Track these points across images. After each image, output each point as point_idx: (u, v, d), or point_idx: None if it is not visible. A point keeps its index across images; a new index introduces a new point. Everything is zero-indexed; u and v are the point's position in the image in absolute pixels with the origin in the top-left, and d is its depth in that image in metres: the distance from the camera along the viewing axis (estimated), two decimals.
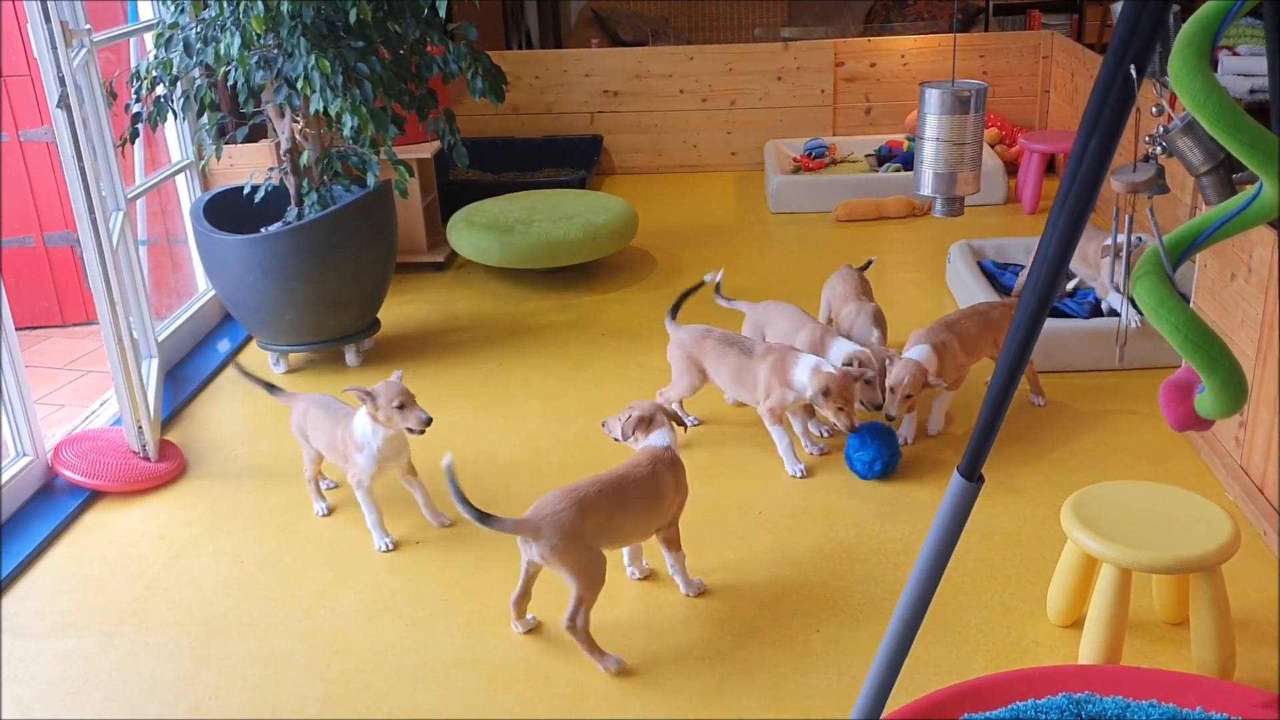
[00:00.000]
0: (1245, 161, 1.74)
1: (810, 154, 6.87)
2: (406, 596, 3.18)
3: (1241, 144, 1.72)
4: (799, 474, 3.72)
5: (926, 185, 3.66)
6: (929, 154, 3.63)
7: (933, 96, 3.56)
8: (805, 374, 3.61)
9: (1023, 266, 5.00)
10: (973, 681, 2.47)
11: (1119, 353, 3.57)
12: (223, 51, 4.00)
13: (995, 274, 4.94)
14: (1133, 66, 1.67)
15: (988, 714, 2.37)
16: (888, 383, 3.68)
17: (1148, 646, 2.85)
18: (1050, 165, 6.57)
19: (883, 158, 6.78)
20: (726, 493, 3.63)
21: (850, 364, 3.68)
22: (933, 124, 3.58)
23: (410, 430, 3.25)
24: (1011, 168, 6.67)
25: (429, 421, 3.24)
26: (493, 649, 2.95)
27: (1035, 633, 2.92)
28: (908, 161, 6.63)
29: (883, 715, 2.11)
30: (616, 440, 3.14)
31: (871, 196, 6.26)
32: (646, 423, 3.09)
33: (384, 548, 3.40)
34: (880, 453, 3.63)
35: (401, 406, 3.22)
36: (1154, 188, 2.05)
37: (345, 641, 3.00)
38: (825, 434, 3.93)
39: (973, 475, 1.84)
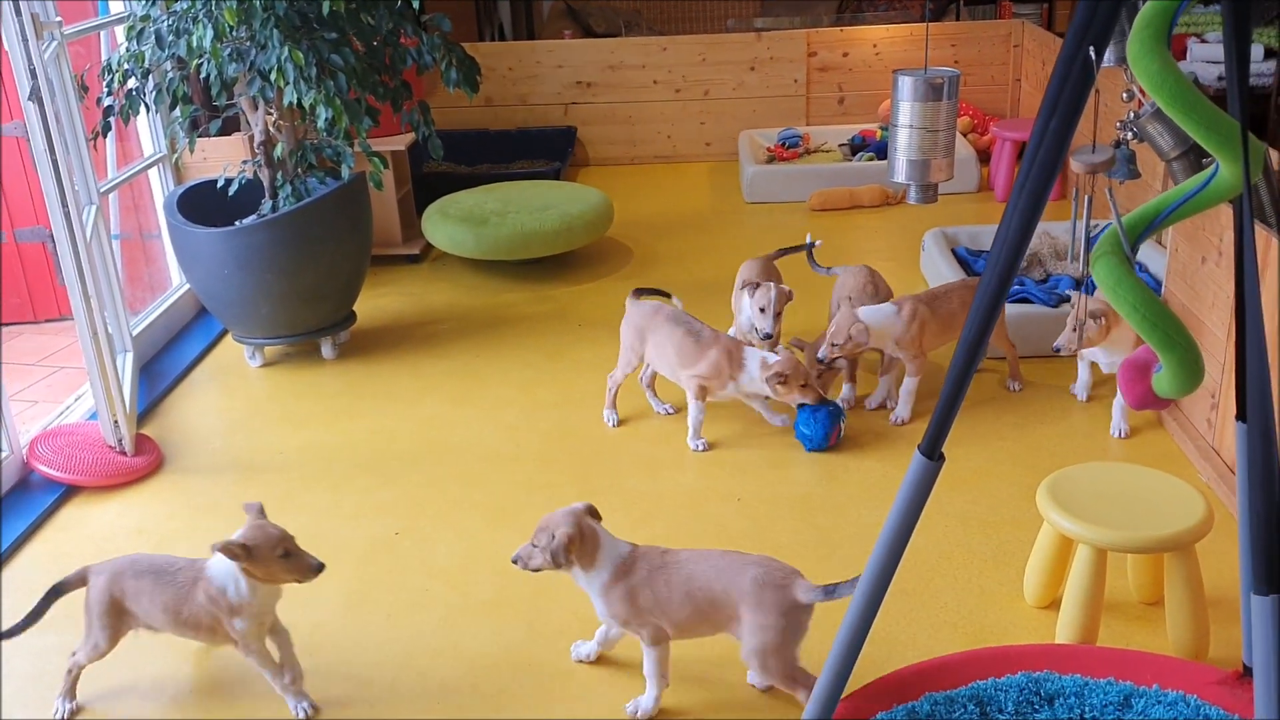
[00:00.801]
0: (1201, 142, 1.77)
1: (784, 144, 6.90)
2: (387, 587, 3.18)
3: (1198, 125, 1.74)
4: (699, 448, 3.83)
5: (900, 172, 3.68)
6: (903, 141, 3.65)
7: (906, 84, 3.58)
8: (755, 368, 3.68)
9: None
10: (935, 660, 2.51)
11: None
12: (195, 44, 3.98)
13: (969, 261, 4.97)
14: (1091, 49, 1.69)
15: (949, 692, 2.40)
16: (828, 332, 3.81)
17: (1124, 626, 2.88)
18: (1022, 153, 6.61)
19: (856, 147, 6.81)
20: (705, 480, 3.64)
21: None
22: (906, 111, 3.60)
23: (298, 581, 2.60)
24: (984, 156, 6.71)
25: (320, 569, 2.58)
26: (474, 638, 2.96)
27: (1012, 614, 2.95)
28: (881, 151, 6.67)
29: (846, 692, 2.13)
30: (538, 571, 2.61)
31: (845, 186, 6.29)
32: (579, 539, 2.56)
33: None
34: (819, 418, 3.71)
35: (286, 554, 2.55)
36: (1113, 169, 2.07)
37: (325, 632, 3.00)
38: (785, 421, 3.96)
39: (933, 454, 1.87)
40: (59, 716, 2.72)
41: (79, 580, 2.71)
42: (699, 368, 3.76)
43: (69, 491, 3.72)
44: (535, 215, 5.32)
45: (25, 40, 3.44)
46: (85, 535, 3.51)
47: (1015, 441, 3.77)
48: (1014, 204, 1.71)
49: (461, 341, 4.80)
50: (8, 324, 5.49)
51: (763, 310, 3.91)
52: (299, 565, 2.57)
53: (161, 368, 4.64)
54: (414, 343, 4.81)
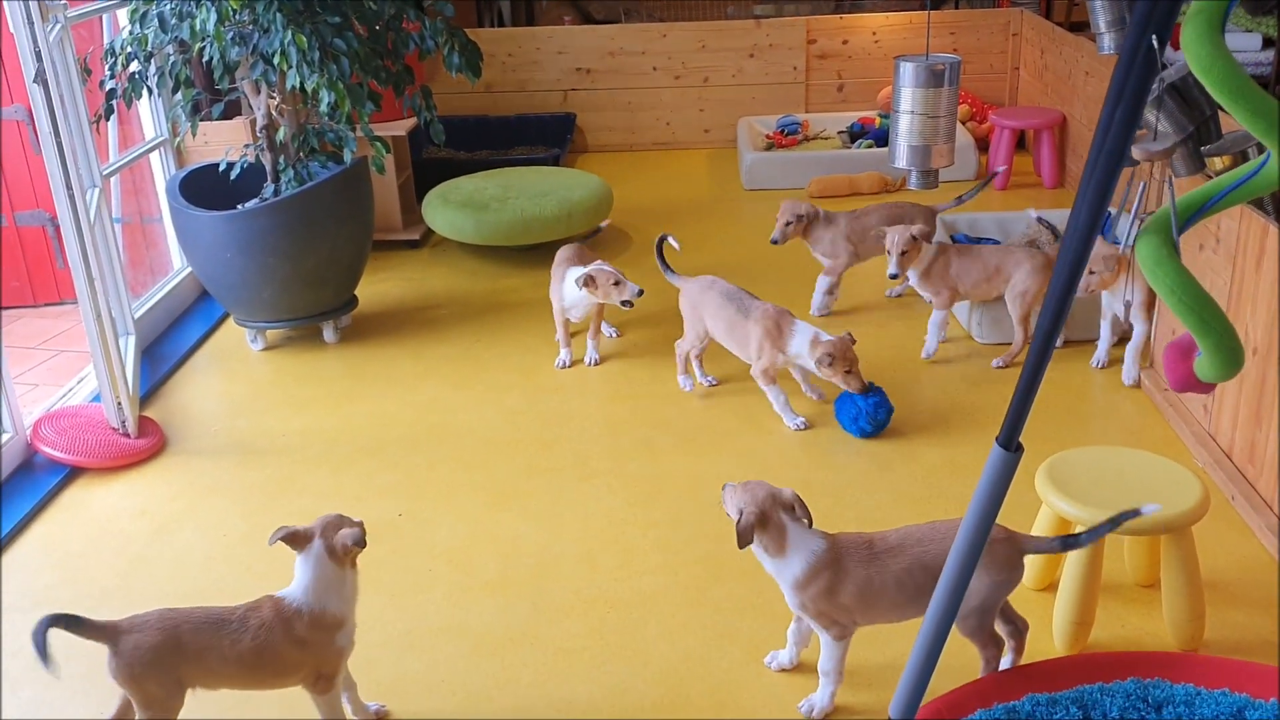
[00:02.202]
0: (1249, 127, 1.78)
1: (783, 131, 6.91)
2: (392, 567, 3.21)
3: (1246, 111, 1.75)
4: (798, 427, 3.85)
5: (902, 158, 3.71)
6: (904, 127, 3.67)
7: (907, 70, 3.60)
8: (803, 344, 3.72)
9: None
10: (1041, 662, 2.51)
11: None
12: (198, 27, 3.99)
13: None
14: (1154, 37, 1.71)
15: (1053, 694, 2.39)
16: (886, 245, 4.05)
17: (1120, 608, 2.91)
18: (1020, 141, 6.64)
19: (855, 134, 6.82)
20: (705, 464, 3.67)
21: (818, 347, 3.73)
22: (907, 97, 3.63)
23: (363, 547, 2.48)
24: (982, 144, 6.72)
25: (361, 524, 2.49)
26: (478, 617, 2.98)
27: (1011, 596, 2.97)
28: (880, 138, 6.68)
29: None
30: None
31: (844, 173, 6.30)
32: (761, 528, 2.50)
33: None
34: (873, 424, 3.75)
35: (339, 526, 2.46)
36: (1170, 157, 2.07)
37: None
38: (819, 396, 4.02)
39: (1010, 445, 1.89)
40: None
41: (102, 636, 2.36)
42: (749, 352, 3.85)
43: (73, 473, 3.75)
44: (535, 201, 5.34)
45: (31, 23, 3.45)
46: (90, 516, 3.53)
47: None
48: (1083, 194, 1.74)
49: (462, 326, 4.81)
50: (7, 308, 5.50)
51: (889, 252, 4.11)
52: (356, 535, 2.43)
53: (163, 351, 4.66)
54: (415, 327, 4.83)
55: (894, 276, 4.09)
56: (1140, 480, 2.76)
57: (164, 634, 2.36)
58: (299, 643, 2.40)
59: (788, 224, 4.57)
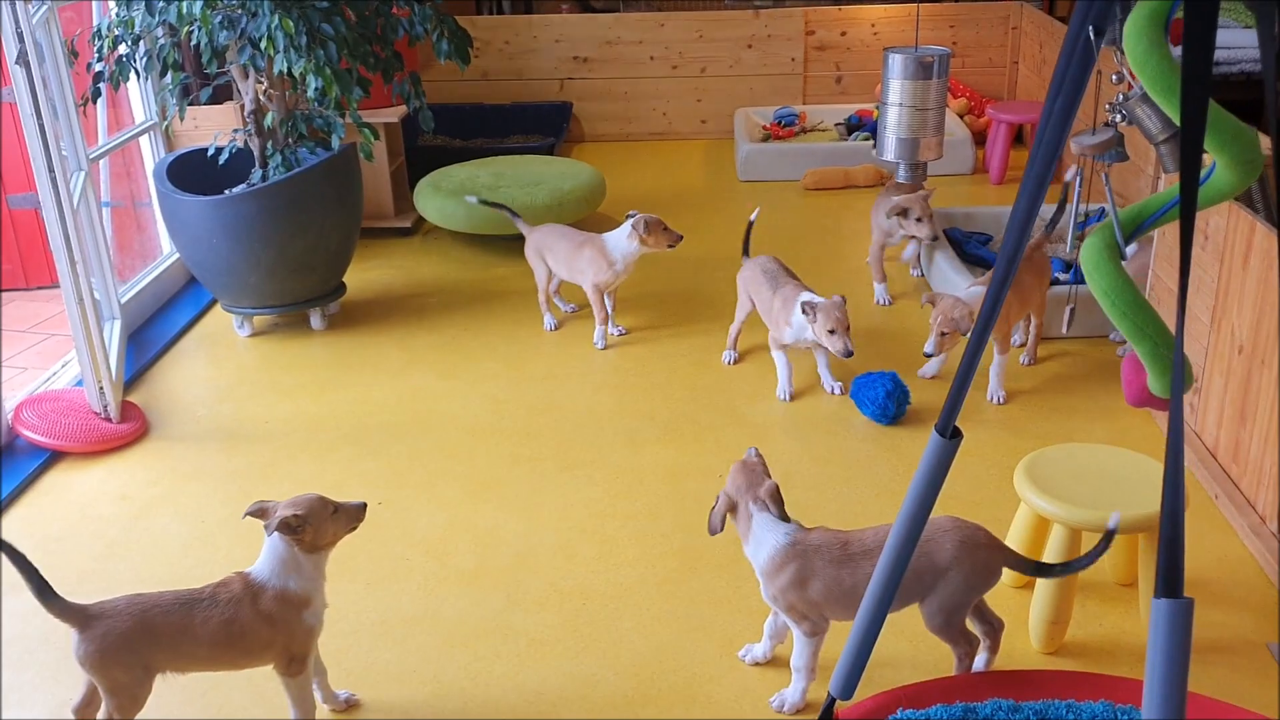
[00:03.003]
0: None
1: (780, 122, 6.88)
2: (367, 556, 3.20)
3: (1176, 110, 1.74)
4: (784, 398, 3.96)
5: (890, 150, 3.69)
6: (892, 119, 3.66)
7: (896, 61, 3.58)
8: (620, 243, 3.93)
9: (987, 235, 5.03)
10: (1014, 671, 2.51)
11: (1066, 318, 3.66)
12: (185, 10, 3.96)
13: (961, 241, 4.96)
14: (1091, 29, 1.70)
15: (1017, 702, 2.37)
16: (930, 319, 3.79)
17: (1098, 606, 2.89)
18: (1018, 136, 6.60)
19: (852, 126, 6.79)
20: (686, 455, 3.65)
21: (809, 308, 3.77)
22: (896, 89, 3.61)
23: (350, 530, 2.50)
24: (979, 138, 6.69)
25: (364, 506, 2.51)
26: (452, 607, 2.97)
27: (988, 594, 2.96)
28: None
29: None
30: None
31: (840, 165, 6.27)
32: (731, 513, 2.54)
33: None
34: (898, 408, 3.76)
35: (335, 509, 2.46)
36: (1109, 152, 2.08)
37: None
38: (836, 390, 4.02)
39: (946, 431, 1.89)
40: None
41: (70, 618, 2.33)
42: (770, 322, 3.95)
43: (53, 457, 3.73)
44: (527, 190, 5.31)
45: (14, 3, 3.43)
46: (69, 500, 3.52)
47: (995, 423, 3.78)
48: (1023, 186, 1.73)
49: (450, 315, 4.80)
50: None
51: (919, 220, 4.15)
52: (350, 512, 2.44)
53: (150, 336, 4.64)
54: (403, 315, 4.81)
55: (928, 355, 3.79)
56: (1119, 478, 2.74)
57: (135, 620, 2.33)
58: (267, 619, 2.38)
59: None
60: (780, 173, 6.36)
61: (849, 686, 2.21)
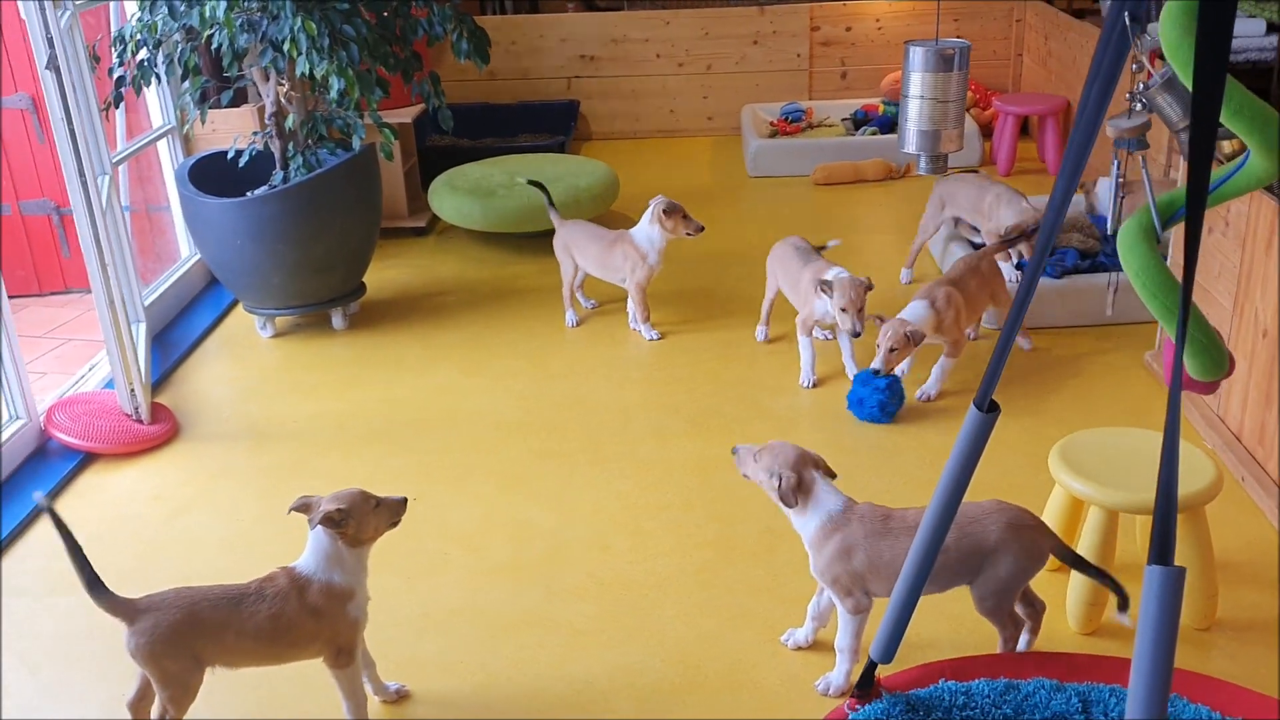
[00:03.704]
0: (1229, 125, 1.81)
1: (787, 118, 6.91)
2: (405, 551, 3.22)
3: (1228, 110, 1.78)
4: (807, 385, 4.04)
5: (911, 143, 3.72)
6: (913, 112, 3.68)
7: (917, 54, 3.61)
8: (644, 232, 4.03)
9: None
10: (1057, 653, 2.54)
11: (1110, 300, 3.71)
12: (208, 14, 3.99)
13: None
14: (1127, 15, 1.74)
15: (1061, 683, 2.40)
16: (877, 341, 3.77)
17: (1133, 588, 2.89)
18: (1024, 128, 6.64)
19: (859, 121, 6.82)
20: (715, 449, 3.68)
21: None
22: (917, 82, 3.63)
23: (392, 526, 2.53)
24: (986, 130, 6.73)
25: (405, 501, 2.55)
26: (492, 599, 3.00)
27: None
28: (884, 125, 6.69)
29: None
30: (745, 478, 2.65)
31: (849, 160, 6.31)
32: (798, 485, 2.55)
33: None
34: (880, 396, 3.78)
35: (378, 503, 2.49)
36: (1130, 140, 2.12)
37: None
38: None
39: (984, 405, 1.94)
40: None
41: (120, 613, 2.36)
42: (799, 298, 4.02)
43: (86, 459, 3.76)
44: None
45: (43, 9, 3.45)
46: (105, 501, 3.55)
47: (1021, 412, 3.82)
48: (1062, 168, 1.78)
49: (470, 313, 4.83)
50: (13, 297, 5.50)
51: (879, 345, 3.80)
52: (391, 506, 2.47)
53: (173, 338, 4.67)
54: (422, 314, 4.84)
55: (875, 373, 3.75)
56: (1152, 460, 2.77)
57: (182, 612, 2.37)
58: (313, 612, 2.41)
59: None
60: (790, 168, 6.39)
61: (889, 651, 2.25)
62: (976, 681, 2.35)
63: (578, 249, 4.54)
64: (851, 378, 4.02)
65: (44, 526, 3.42)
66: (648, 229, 4.35)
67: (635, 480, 3.52)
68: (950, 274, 4.01)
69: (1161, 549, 1.46)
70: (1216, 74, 1.49)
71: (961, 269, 4.04)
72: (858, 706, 2.28)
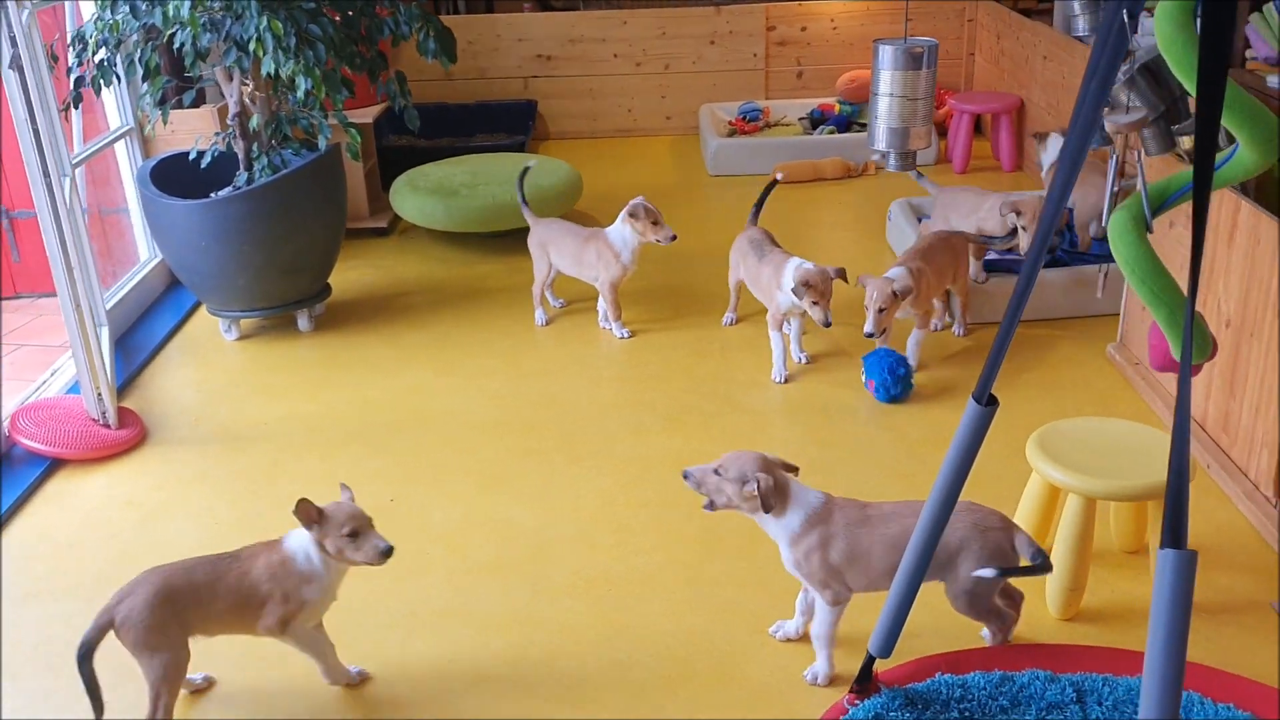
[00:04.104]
0: (1223, 121, 1.87)
1: (745, 117, 6.96)
2: None
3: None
4: (779, 379, 4.06)
5: (881, 140, 3.78)
6: (883, 109, 3.74)
7: (886, 53, 3.67)
8: (789, 274, 3.88)
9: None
10: (1046, 645, 2.59)
11: (1100, 284, 3.84)
12: (171, 13, 3.94)
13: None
14: (1125, 13, 1.79)
15: (1053, 674, 2.44)
16: (864, 303, 3.89)
17: (1108, 574, 3.00)
18: (977, 126, 6.74)
19: (816, 120, 6.89)
20: (693, 444, 3.71)
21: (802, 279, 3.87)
22: (886, 80, 3.69)
23: (365, 563, 2.55)
24: (941, 129, 6.82)
25: (388, 553, 2.53)
26: (479, 598, 3.00)
27: None
28: (841, 124, 6.76)
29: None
30: (712, 506, 2.62)
31: (808, 158, 6.37)
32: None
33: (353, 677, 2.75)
34: (904, 388, 3.90)
35: (354, 534, 2.51)
36: (1137, 131, 2.16)
37: None
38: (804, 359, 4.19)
39: (982, 399, 1.97)
40: None
41: (103, 626, 2.46)
42: (761, 292, 4.07)
43: (53, 465, 3.70)
44: (506, 187, 5.33)
45: (6, 8, 3.39)
46: (75, 507, 3.49)
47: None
48: (1061, 161, 1.82)
49: (439, 312, 4.81)
50: None
51: (867, 307, 3.90)
52: (365, 547, 2.50)
53: (135, 342, 4.60)
54: (390, 314, 4.82)
55: (870, 336, 3.89)
56: (1127, 448, 2.84)
57: (151, 585, 2.47)
58: (272, 574, 2.52)
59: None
60: (750, 167, 6.43)
61: (887, 645, 2.29)
62: (972, 674, 2.40)
63: (553, 246, 4.54)
64: (798, 360, 4.16)
65: (16, 532, 3.36)
66: (621, 228, 4.37)
67: (615, 477, 3.54)
68: (921, 244, 4.12)
69: (1175, 532, 1.50)
70: (1218, 71, 1.54)
71: (933, 240, 4.14)
72: (856, 701, 2.31)
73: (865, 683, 2.32)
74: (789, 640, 2.78)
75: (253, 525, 3.34)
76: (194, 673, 2.68)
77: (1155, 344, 2.15)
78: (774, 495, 2.52)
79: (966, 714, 2.30)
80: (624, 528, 3.29)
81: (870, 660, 2.33)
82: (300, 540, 2.54)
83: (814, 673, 2.66)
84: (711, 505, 2.58)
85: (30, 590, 3.11)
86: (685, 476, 2.58)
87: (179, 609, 2.47)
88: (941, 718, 2.28)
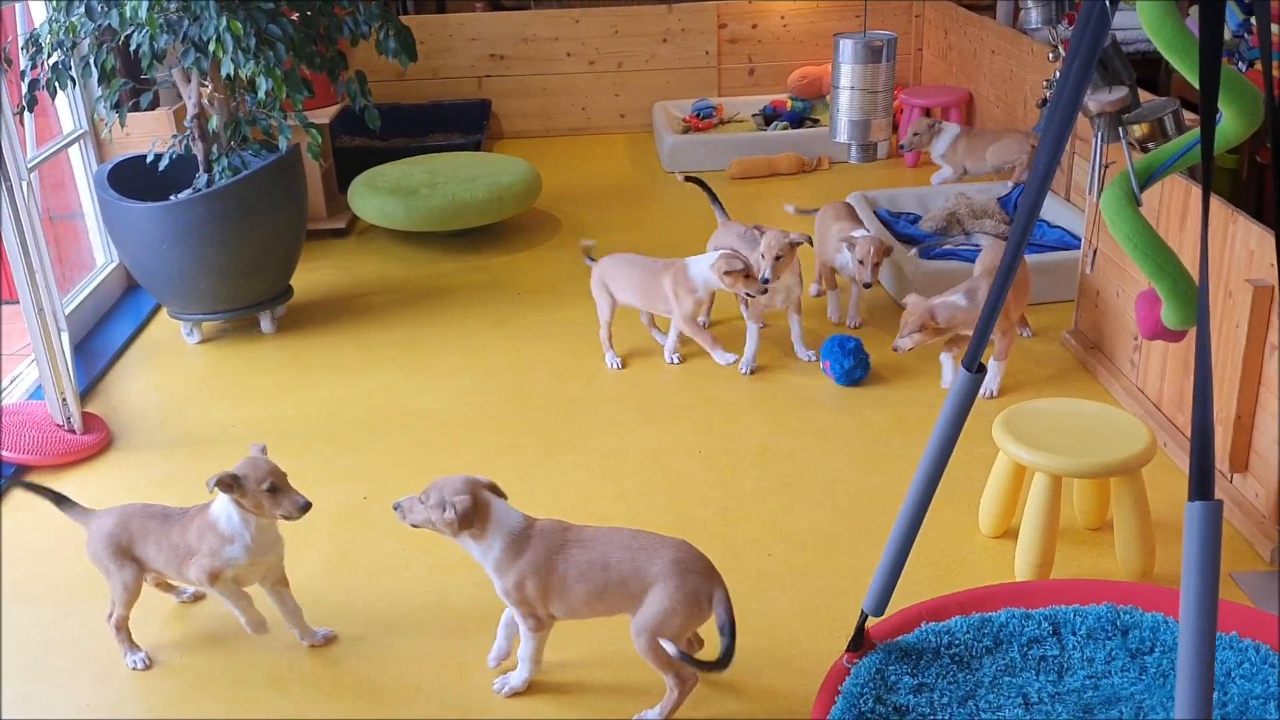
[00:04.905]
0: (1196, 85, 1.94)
1: (698, 114, 7.02)
2: (363, 549, 3.22)
3: (1192, 69, 1.91)
4: (728, 363, 4.03)
5: (842, 132, 3.85)
6: (844, 102, 3.81)
7: (847, 47, 3.74)
8: (702, 271, 3.94)
9: (916, 215, 5.24)
10: (1021, 584, 2.66)
11: (1091, 259, 3.94)
12: (129, 14, 3.91)
13: (891, 222, 5.17)
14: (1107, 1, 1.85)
15: (1028, 610, 2.51)
16: (855, 256, 4.06)
17: (1072, 550, 3.08)
18: None
19: (769, 117, 6.96)
20: (666, 436, 3.75)
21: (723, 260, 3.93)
22: (847, 73, 3.76)
23: (285, 517, 2.68)
24: (892, 123, 6.91)
25: (307, 507, 2.67)
26: (459, 593, 3.02)
27: (969, 544, 3.14)
28: (794, 120, 6.84)
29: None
30: (416, 526, 2.60)
31: (763, 154, 6.44)
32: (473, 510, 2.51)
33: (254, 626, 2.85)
34: (856, 361, 3.97)
35: (274, 489, 2.65)
36: (1120, 110, 2.22)
37: (309, 595, 3.01)
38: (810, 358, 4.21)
39: (972, 366, 2.04)
40: (138, 668, 2.81)
41: (88, 520, 2.84)
42: (670, 306, 4.10)
43: (19, 471, 3.66)
44: (465, 186, 5.35)
45: None
46: (44, 512, 3.42)
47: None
48: (1043, 142, 1.88)
49: (402, 312, 4.81)
50: None
51: (861, 262, 4.11)
52: (285, 500, 2.66)
53: (94, 347, 4.56)
54: (353, 315, 4.81)
55: (867, 286, 4.11)
56: (1091, 428, 2.93)
57: (118, 514, 2.81)
58: (198, 534, 2.72)
59: (915, 135, 5.71)
60: (706, 163, 6.49)
61: (880, 604, 2.34)
62: (954, 620, 2.47)
63: (616, 282, 4.21)
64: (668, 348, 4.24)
65: None
66: (707, 271, 4.00)
67: (590, 471, 3.57)
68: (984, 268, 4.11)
69: (1201, 485, 1.58)
70: (1215, 56, 1.60)
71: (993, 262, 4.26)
72: (855, 660, 2.37)
73: (859, 642, 2.38)
74: (500, 664, 2.74)
75: None
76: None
77: (1144, 315, 2.21)
78: (471, 515, 2.46)
79: (957, 658, 2.38)
80: (603, 520, 3.30)
81: (864, 619, 2.39)
82: (222, 504, 2.69)
83: (504, 681, 2.66)
84: (410, 521, 2.55)
85: (8, 595, 3.07)
86: (396, 508, 2.56)
87: (132, 540, 2.77)
88: (935, 665, 2.36)
